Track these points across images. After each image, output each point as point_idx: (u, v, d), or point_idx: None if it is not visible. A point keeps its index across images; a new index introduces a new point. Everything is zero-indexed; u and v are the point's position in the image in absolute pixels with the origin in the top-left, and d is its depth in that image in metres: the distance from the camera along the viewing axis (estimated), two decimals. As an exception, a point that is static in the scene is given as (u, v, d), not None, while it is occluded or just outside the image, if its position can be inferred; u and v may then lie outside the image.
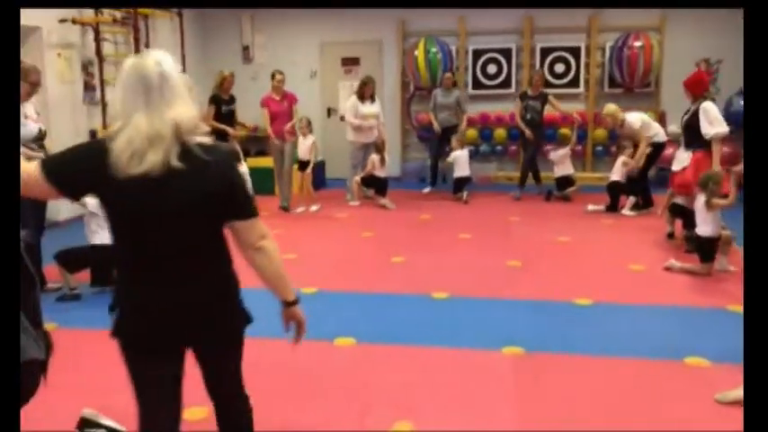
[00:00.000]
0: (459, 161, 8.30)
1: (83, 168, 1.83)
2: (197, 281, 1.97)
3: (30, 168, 1.84)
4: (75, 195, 1.93)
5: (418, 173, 9.66)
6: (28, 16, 6.63)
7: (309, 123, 7.88)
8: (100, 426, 2.71)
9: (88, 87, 7.60)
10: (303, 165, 7.81)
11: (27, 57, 6.99)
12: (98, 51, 7.45)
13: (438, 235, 6.49)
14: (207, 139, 1.92)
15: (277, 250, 2.08)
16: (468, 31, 9.59)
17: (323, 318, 4.32)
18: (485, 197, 8.38)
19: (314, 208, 7.73)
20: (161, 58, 1.86)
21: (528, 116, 8.18)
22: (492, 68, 9.54)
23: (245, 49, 10.27)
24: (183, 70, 6.35)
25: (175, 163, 1.79)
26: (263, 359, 3.69)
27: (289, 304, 2.20)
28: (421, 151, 9.87)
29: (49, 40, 7.00)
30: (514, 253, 5.73)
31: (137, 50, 7.49)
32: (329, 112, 10.25)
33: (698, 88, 5.72)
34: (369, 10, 9.51)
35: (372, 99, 8.06)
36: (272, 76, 7.63)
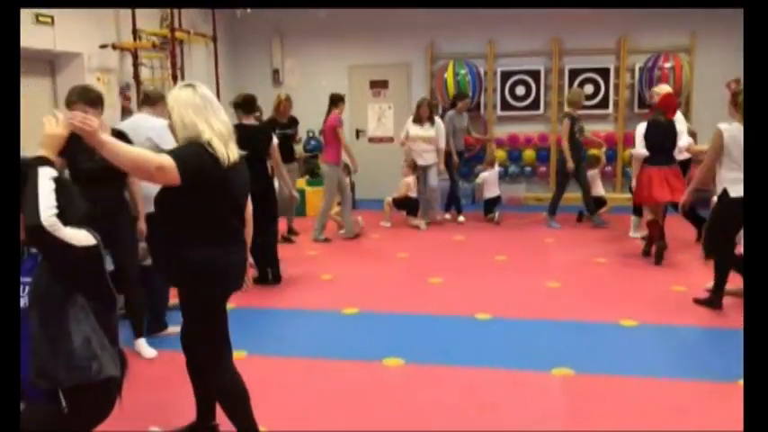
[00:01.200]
0: (489, 181, 8.31)
1: (199, 161, 2.47)
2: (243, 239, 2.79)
3: (164, 158, 2.40)
4: (186, 181, 2.44)
5: (446, 194, 9.66)
6: (70, 43, 6.81)
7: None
8: None
9: (125, 111, 7.73)
10: None
11: (69, 81, 7.17)
12: (136, 75, 7.59)
13: (473, 256, 6.50)
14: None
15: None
16: (497, 53, 9.66)
17: (368, 338, 4.34)
18: (515, 218, 8.38)
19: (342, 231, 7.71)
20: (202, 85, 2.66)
21: (579, 137, 7.81)
22: (520, 90, 9.59)
23: (275, 72, 10.42)
24: (217, 93, 6.45)
25: (240, 151, 2.66)
26: (315, 379, 3.72)
27: None
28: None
29: (89, 64, 7.15)
30: (552, 274, 5.71)
31: (173, 75, 7.63)
32: (357, 133, 10.33)
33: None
34: (398, 33, 9.63)
35: (431, 121, 7.87)
36: (340, 100, 7.35)
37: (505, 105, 9.68)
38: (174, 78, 7.64)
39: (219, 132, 2.53)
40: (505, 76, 9.62)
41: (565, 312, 4.72)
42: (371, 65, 10.16)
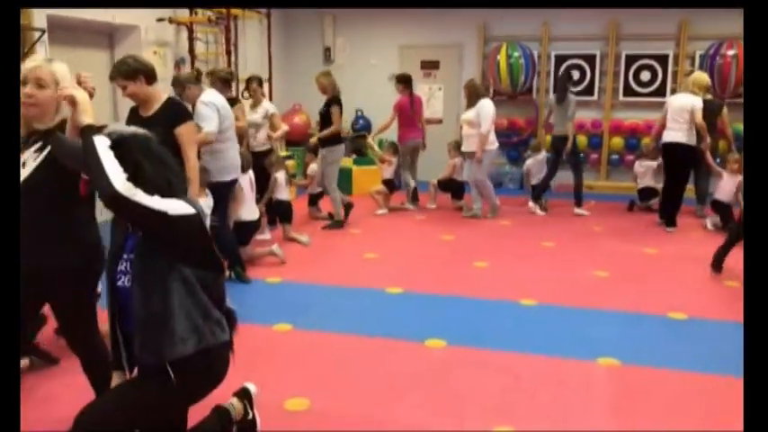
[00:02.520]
0: (535, 167, 8.19)
1: None
2: None
3: None
4: None
5: (493, 178, 9.56)
6: (128, 16, 6.93)
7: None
8: (252, 407, 2.81)
9: (176, 86, 7.85)
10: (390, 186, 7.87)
11: (126, 54, 7.31)
12: (191, 50, 7.70)
13: (520, 241, 6.43)
14: None
15: None
16: (552, 36, 9.47)
17: (411, 318, 4.35)
18: (564, 205, 8.24)
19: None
20: None
21: None
22: (575, 75, 9.38)
23: (327, 50, 10.43)
24: (269, 69, 6.51)
25: None
26: (358, 356, 3.75)
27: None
28: (496, 156, 9.78)
29: (146, 38, 7.28)
30: (601, 263, 5.61)
31: (227, 50, 7.72)
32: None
33: None
34: (450, 13, 9.52)
35: (472, 103, 7.66)
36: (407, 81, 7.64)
37: (558, 90, 9.49)
38: (228, 54, 7.73)
39: None
40: (560, 59, 9.43)
41: (612, 302, 4.64)
42: (423, 45, 10.08)
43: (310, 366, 3.61)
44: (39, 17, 5.76)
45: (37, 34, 5.71)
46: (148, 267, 2.10)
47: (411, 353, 3.79)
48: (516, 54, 9.12)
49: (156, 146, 2.21)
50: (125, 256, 2.18)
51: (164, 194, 2.09)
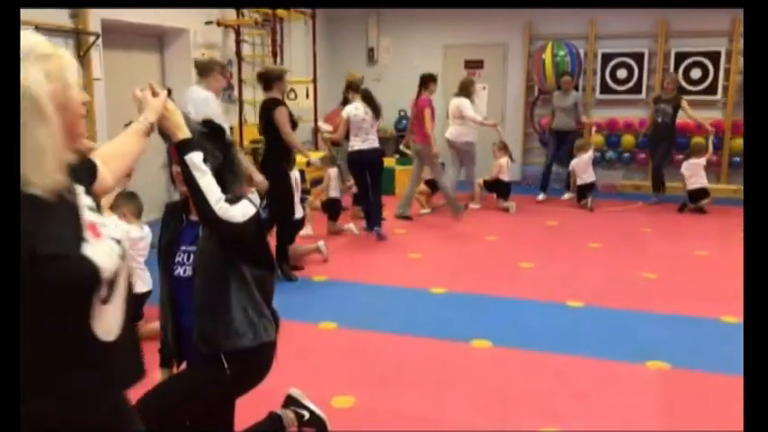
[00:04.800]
0: (581, 167, 8.08)
1: None
2: None
3: None
4: None
5: (539, 178, 9.48)
6: (178, 19, 7.09)
7: None
8: (303, 406, 2.84)
9: (226, 86, 8.00)
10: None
11: (175, 57, 7.48)
12: (238, 52, 7.82)
13: (566, 242, 6.35)
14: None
15: None
16: (599, 34, 9.32)
17: (456, 318, 4.34)
18: (610, 205, 8.11)
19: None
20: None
21: (659, 119, 7.98)
22: (622, 73, 9.22)
23: (370, 50, 10.47)
24: (314, 71, 6.49)
25: None
26: (402, 355, 3.76)
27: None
28: (543, 156, 9.68)
29: (195, 40, 7.43)
30: (649, 265, 5.50)
31: (273, 51, 7.82)
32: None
33: None
34: (495, 12, 9.46)
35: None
36: (432, 81, 7.32)
37: (605, 89, 9.34)
38: (275, 55, 7.83)
39: None
40: (607, 58, 9.27)
41: (661, 304, 4.55)
42: (467, 44, 10.03)
43: (355, 365, 3.64)
44: (93, 21, 5.94)
45: (92, 38, 5.89)
46: (209, 261, 2.15)
47: (456, 353, 3.78)
48: (562, 53, 9.01)
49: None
50: (182, 248, 2.24)
51: (226, 187, 2.14)
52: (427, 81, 7.25)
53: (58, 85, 1.29)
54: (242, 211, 2.10)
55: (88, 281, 1.31)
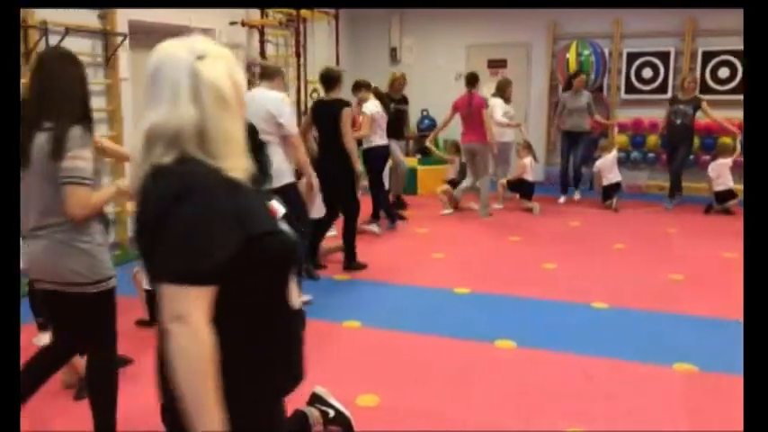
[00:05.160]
0: (606, 167, 8.01)
1: None
2: None
3: None
4: None
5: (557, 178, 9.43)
6: (204, 20, 7.15)
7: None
8: (329, 404, 2.86)
9: (250, 86, 8.05)
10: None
11: (200, 57, 7.54)
12: (262, 52, 7.87)
13: (590, 243, 6.30)
14: (168, 158, 1.36)
15: (195, 347, 1.27)
16: (624, 33, 9.23)
17: (480, 318, 4.33)
18: (635, 206, 8.03)
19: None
20: (172, 41, 1.41)
21: (677, 121, 7.81)
22: (647, 72, 9.13)
23: (393, 50, 10.48)
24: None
25: (144, 184, 1.38)
26: (426, 354, 3.76)
27: None
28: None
29: (220, 40, 7.46)
30: (676, 266, 5.44)
31: (297, 52, 7.86)
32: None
33: None
34: (518, 11, 9.41)
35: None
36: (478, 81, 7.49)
37: (630, 88, 9.25)
38: (298, 55, 7.86)
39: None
40: (632, 57, 9.18)
41: (688, 306, 4.50)
42: (490, 44, 9.99)
43: (380, 364, 3.64)
44: (121, 22, 6.02)
45: (119, 39, 5.96)
46: None
47: (481, 353, 3.78)
48: (586, 52, 8.94)
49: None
50: None
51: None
52: (474, 80, 7.41)
53: (234, 82, 1.40)
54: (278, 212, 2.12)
55: (292, 253, 1.47)
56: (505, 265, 5.59)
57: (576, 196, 8.49)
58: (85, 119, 2.49)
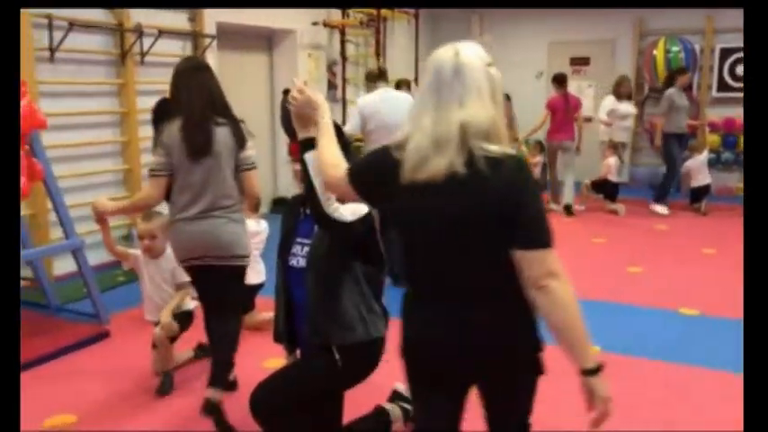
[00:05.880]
0: (695, 169, 7.67)
1: (373, 176, 1.74)
2: (486, 302, 1.67)
3: (340, 171, 1.80)
4: (373, 203, 1.95)
5: (649, 179, 9.09)
6: (286, 20, 7.30)
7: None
8: (410, 401, 2.87)
9: (331, 86, 8.16)
10: None
11: (283, 57, 7.72)
12: (342, 52, 7.97)
13: (677, 247, 6.06)
14: (495, 148, 1.60)
15: (569, 295, 1.64)
16: (717, 28, 8.82)
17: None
18: (725, 210, 7.66)
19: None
20: (460, 48, 1.65)
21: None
22: (741, 69, 8.69)
23: (473, 49, 10.39)
24: (416, 70, 6.67)
25: (461, 170, 1.57)
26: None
27: (584, 372, 1.72)
28: (652, 157, 9.28)
29: (301, 41, 7.63)
30: (772, 273, 5.15)
31: (377, 51, 7.91)
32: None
33: None
34: (602, 8, 9.14)
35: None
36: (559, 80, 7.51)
37: (722, 86, 8.83)
38: (378, 55, 7.91)
39: (425, 133, 1.62)
40: (725, 53, 8.76)
41: (787, 316, 4.25)
42: (573, 41, 9.77)
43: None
44: (209, 24, 6.22)
45: (207, 40, 6.17)
46: (323, 256, 2.22)
47: (563, 358, 3.68)
48: (675, 48, 8.60)
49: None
50: (297, 240, 2.31)
51: None
52: (563, 80, 7.47)
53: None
54: (352, 210, 2.14)
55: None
56: (589, 268, 5.45)
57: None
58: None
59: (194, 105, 2.74)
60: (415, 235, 1.70)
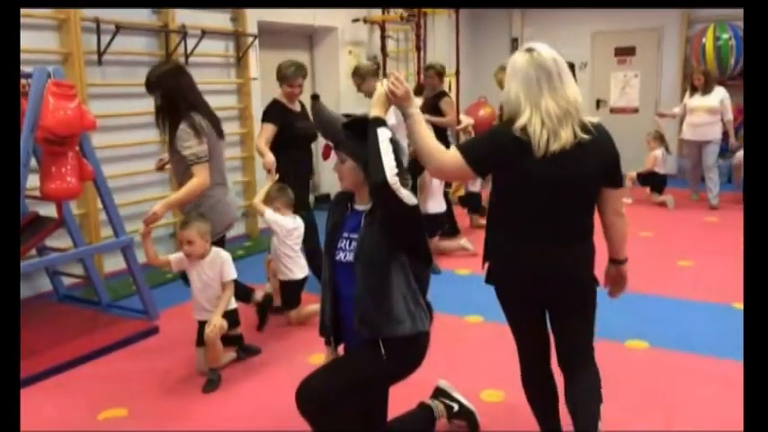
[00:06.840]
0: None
1: (492, 152, 2.20)
2: (570, 244, 2.25)
3: (451, 153, 2.22)
4: (484, 174, 2.38)
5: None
6: (327, 18, 7.33)
7: None
8: (453, 398, 2.87)
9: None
10: None
11: (324, 54, 7.76)
12: (383, 48, 7.96)
13: (729, 240, 5.87)
14: (589, 117, 2.20)
15: (627, 228, 2.41)
16: (769, 13, 8.52)
17: (610, 316, 4.11)
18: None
19: None
20: (538, 46, 2.18)
21: None
22: (796, 55, 8.38)
23: (514, 41, 10.27)
24: (457, 64, 6.68)
25: (582, 136, 2.13)
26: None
27: (620, 262, 2.48)
28: (701, 147, 9.02)
29: (342, 38, 7.66)
30: (830, 266, 4.97)
31: (417, 47, 7.87)
32: (598, 103, 9.86)
33: None
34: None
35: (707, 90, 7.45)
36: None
37: (776, 73, 8.52)
38: (418, 50, 7.88)
39: (548, 113, 2.09)
40: (778, 39, 8.45)
41: None
42: (617, 31, 9.57)
43: (503, 359, 3.55)
44: (251, 23, 6.29)
45: (249, 39, 6.23)
46: (371, 249, 2.22)
47: (611, 352, 3.60)
48: (726, 36, 8.33)
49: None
50: (345, 234, 2.32)
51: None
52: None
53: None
54: (408, 195, 2.17)
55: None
56: (637, 262, 5.21)
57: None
58: None
59: (201, 97, 3.52)
60: (533, 194, 2.17)
